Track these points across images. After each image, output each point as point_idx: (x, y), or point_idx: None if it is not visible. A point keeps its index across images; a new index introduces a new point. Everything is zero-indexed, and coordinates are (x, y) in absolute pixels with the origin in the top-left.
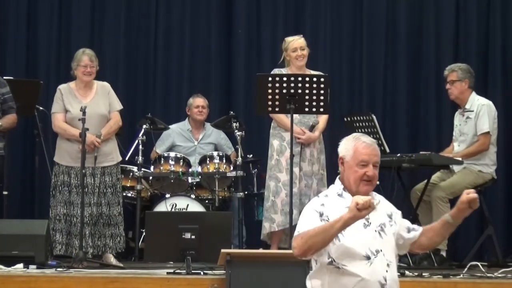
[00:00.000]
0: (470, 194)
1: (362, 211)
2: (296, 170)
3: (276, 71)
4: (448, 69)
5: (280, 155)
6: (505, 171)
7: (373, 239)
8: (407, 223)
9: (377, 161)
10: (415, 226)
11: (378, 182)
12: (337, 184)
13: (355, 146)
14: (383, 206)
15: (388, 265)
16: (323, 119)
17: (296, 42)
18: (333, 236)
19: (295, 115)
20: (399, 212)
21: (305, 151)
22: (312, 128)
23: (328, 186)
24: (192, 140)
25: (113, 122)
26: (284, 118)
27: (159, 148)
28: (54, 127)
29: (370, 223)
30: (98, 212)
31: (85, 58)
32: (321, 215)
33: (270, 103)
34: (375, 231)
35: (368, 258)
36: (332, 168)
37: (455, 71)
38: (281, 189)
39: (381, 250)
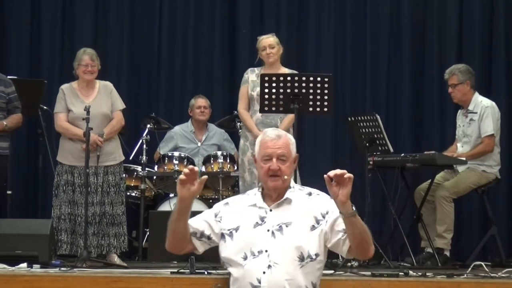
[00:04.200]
0: (327, 176)
1: (184, 184)
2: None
3: (249, 71)
4: (448, 73)
5: (243, 155)
6: (508, 171)
7: (260, 239)
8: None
9: (282, 154)
10: None
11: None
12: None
13: (261, 141)
14: (307, 205)
15: (269, 266)
16: (286, 120)
17: (264, 41)
18: (175, 219)
19: (257, 115)
20: (338, 212)
21: None
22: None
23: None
24: (195, 141)
25: (115, 121)
26: (246, 117)
27: (162, 149)
28: (56, 127)
29: (265, 222)
30: (102, 212)
31: (86, 57)
32: (215, 215)
33: (274, 102)
34: (268, 230)
35: (245, 258)
36: (324, 167)
37: (455, 74)
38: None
39: (265, 251)
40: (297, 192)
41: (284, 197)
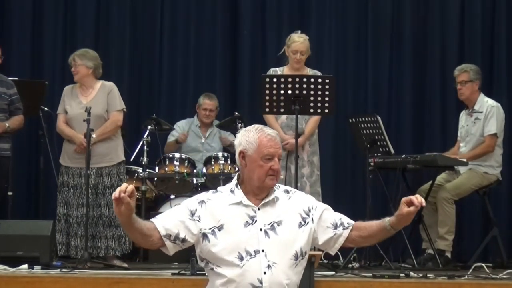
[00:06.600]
0: (410, 208)
1: (117, 202)
2: (282, 172)
3: (271, 71)
4: (459, 70)
5: None
6: (510, 172)
7: (254, 239)
8: (333, 218)
9: (281, 154)
10: (344, 221)
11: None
12: (233, 180)
13: (259, 139)
14: (289, 203)
15: (269, 266)
16: (311, 122)
17: (297, 46)
18: (126, 229)
19: (282, 118)
20: (322, 207)
21: (292, 153)
22: (298, 136)
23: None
24: (200, 136)
25: (109, 122)
26: (272, 121)
27: (174, 135)
28: (56, 127)
29: (255, 221)
30: (98, 214)
31: (70, 59)
32: (192, 214)
33: (275, 104)
34: (261, 229)
35: (241, 258)
36: (326, 168)
37: (467, 71)
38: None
39: (262, 251)
40: (277, 190)
41: (272, 196)
